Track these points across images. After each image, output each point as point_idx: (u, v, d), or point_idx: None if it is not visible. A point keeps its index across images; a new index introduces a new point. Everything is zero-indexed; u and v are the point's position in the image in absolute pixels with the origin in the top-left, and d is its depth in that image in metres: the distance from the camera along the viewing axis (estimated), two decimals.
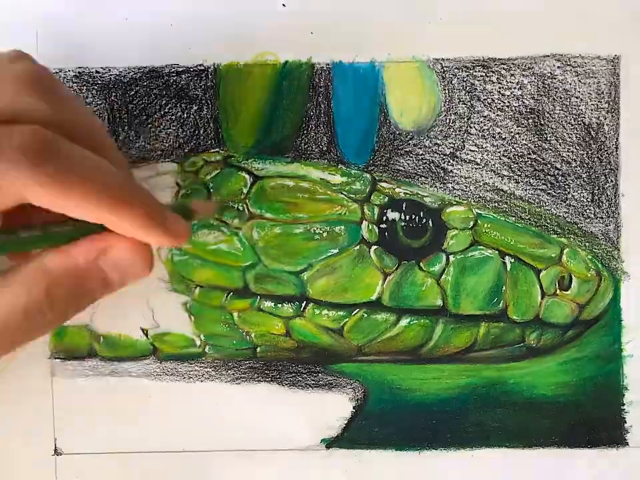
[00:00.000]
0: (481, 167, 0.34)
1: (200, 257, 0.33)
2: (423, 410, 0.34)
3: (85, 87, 0.34)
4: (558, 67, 0.33)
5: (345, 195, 0.33)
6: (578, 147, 0.33)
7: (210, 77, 0.33)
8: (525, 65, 0.33)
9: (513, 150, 0.34)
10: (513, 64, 0.33)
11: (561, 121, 0.33)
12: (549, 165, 0.33)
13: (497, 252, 0.33)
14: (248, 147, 0.34)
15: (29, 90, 0.24)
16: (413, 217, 0.33)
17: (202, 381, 0.34)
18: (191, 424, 0.34)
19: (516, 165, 0.34)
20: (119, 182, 0.25)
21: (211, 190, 0.33)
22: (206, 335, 0.34)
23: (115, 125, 0.34)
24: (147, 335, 0.34)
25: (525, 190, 0.34)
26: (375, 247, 0.33)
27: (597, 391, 0.34)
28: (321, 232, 0.33)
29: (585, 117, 0.33)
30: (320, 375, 0.34)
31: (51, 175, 0.23)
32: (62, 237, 0.25)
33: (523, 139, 0.33)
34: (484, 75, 0.33)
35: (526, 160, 0.34)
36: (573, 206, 0.34)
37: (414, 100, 0.33)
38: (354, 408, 0.34)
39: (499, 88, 0.33)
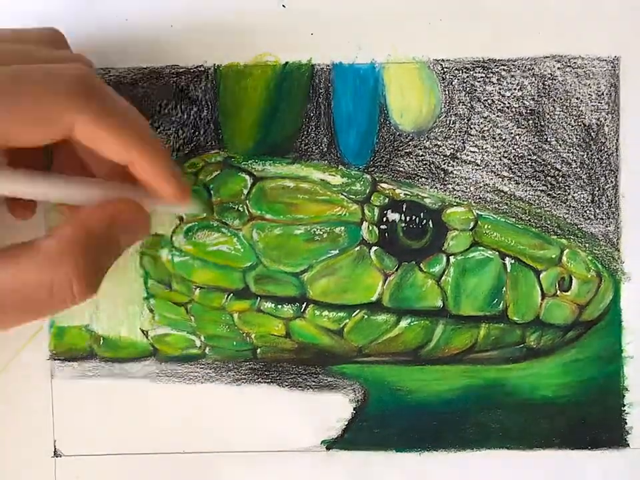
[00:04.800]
0: (481, 168, 0.34)
1: (200, 258, 0.33)
2: (423, 411, 0.34)
3: None
4: (558, 68, 0.33)
5: (345, 196, 0.33)
6: (578, 148, 0.33)
7: (210, 78, 0.33)
8: (525, 66, 0.33)
9: (513, 151, 0.34)
10: (513, 65, 0.33)
11: (561, 122, 0.33)
12: (549, 166, 0.34)
13: (497, 253, 0.33)
14: (248, 148, 0.34)
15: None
16: (413, 218, 0.33)
17: (202, 382, 0.34)
18: (190, 425, 0.34)
19: (516, 166, 0.34)
20: (147, 125, 0.28)
21: (211, 191, 0.33)
22: (206, 336, 0.34)
23: None
24: (147, 336, 0.34)
25: (525, 191, 0.34)
26: (375, 247, 0.33)
27: (597, 392, 0.34)
28: (321, 233, 0.33)
29: (585, 118, 0.33)
30: (320, 376, 0.34)
31: (98, 109, 0.26)
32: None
33: (523, 140, 0.33)
34: (484, 76, 0.33)
35: (526, 161, 0.34)
36: (573, 207, 0.34)
37: (414, 101, 0.33)
38: (354, 409, 0.34)
39: (499, 89, 0.33)
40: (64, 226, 0.26)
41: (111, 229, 0.27)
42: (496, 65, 0.33)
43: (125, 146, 0.27)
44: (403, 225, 0.33)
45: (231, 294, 0.33)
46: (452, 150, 0.34)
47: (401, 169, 0.34)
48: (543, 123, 0.33)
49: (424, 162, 0.33)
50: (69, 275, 0.25)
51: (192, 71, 0.34)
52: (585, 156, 0.33)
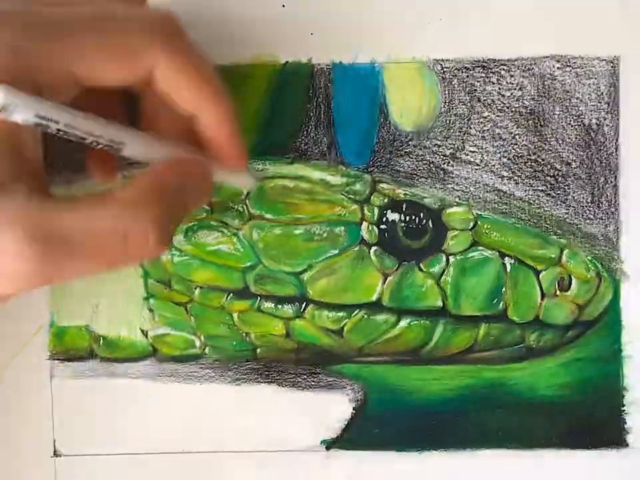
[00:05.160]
0: (480, 167, 0.34)
1: (200, 257, 0.33)
2: (423, 411, 0.34)
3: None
4: (558, 68, 0.33)
5: (345, 196, 0.33)
6: (578, 148, 0.33)
7: None
8: (525, 66, 0.33)
9: (512, 151, 0.34)
10: (513, 65, 0.33)
11: (561, 122, 0.33)
12: (548, 166, 0.34)
13: (496, 253, 0.33)
14: (248, 147, 0.33)
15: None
16: (413, 217, 0.33)
17: (202, 382, 0.34)
18: (190, 425, 0.34)
19: (516, 166, 0.34)
20: (218, 77, 0.28)
21: None
22: (206, 335, 0.34)
23: None
24: (146, 336, 0.34)
25: (525, 191, 0.34)
26: (375, 247, 0.33)
27: (597, 391, 0.34)
28: (321, 233, 0.33)
29: (584, 118, 0.33)
30: (320, 376, 0.34)
31: (180, 49, 0.26)
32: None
33: (522, 140, 0.33)
34: (484, 75, 0.33)
35: (526, 161, 0.34)
36: (573, 207, 0.34)
37: (414, 101, 0.33)
38: (354, 409, 0.34)
39: (499, 89, 0.33)
40: (141, 177, 0.25)
41: (184, 186, 0.26)
42: (496, 65, 0.33)
43: (199, 91, 0.27)
44: (403, 224, 0.33)
45: (231, 294, 0.33)
46: (452, 150, 0.34)
47: (401, 168, 0.34)
48: (542, 123, 0.33)
49: (424, 162, 0.33)
50: (146, 224, 0.24)
51: None
52: (585, 156, 0.33)
